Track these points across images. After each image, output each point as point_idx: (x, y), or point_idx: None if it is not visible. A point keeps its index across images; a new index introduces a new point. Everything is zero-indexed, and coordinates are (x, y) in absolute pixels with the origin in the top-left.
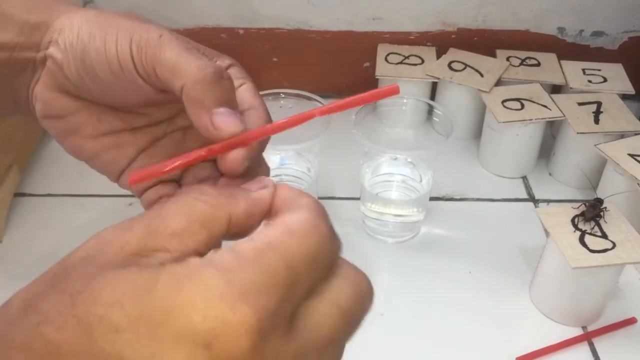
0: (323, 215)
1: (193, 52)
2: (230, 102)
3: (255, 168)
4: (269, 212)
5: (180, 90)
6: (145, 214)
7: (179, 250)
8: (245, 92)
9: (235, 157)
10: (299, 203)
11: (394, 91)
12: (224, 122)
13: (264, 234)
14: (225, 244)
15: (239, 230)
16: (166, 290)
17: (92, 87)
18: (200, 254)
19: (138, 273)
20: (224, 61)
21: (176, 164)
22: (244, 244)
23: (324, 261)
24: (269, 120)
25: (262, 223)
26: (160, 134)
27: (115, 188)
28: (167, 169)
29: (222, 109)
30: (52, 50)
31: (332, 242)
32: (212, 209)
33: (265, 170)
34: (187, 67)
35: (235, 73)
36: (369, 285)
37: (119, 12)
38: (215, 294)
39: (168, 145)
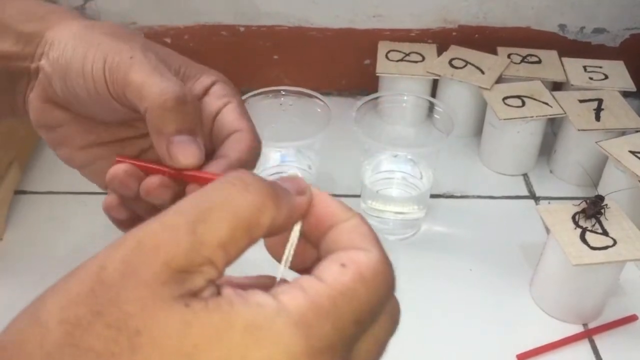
0: (387, 258)
1: (161, 74)
2: (191, 129)
3: None
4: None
5: (144, 114)
6: (189, 208)
7: (225, 261)
8: (229, 112)
9: (189, 191)
10: (367, 239)
11: None
12: (181, 152)
13: (338, 280)
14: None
15: (272, 234)
16: (243, 345)
17: (75, 103)
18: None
19: (206, 316)
20: (208, 77)
21: (153, 172)
22: (317, 288)
23: (384, 306)
24: (257, 142)
25: (330, 259)
26: (147, 146)
27: None
28: (149, 171)
29: (180, 137)
30: (43, 63)
31: (394, 285)
32: (258, 212)
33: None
34: (150, 91)
35: (219, 90)
36: (400, 312)
37: (104, 26)
38: (296, 353)
39: (155, 155)
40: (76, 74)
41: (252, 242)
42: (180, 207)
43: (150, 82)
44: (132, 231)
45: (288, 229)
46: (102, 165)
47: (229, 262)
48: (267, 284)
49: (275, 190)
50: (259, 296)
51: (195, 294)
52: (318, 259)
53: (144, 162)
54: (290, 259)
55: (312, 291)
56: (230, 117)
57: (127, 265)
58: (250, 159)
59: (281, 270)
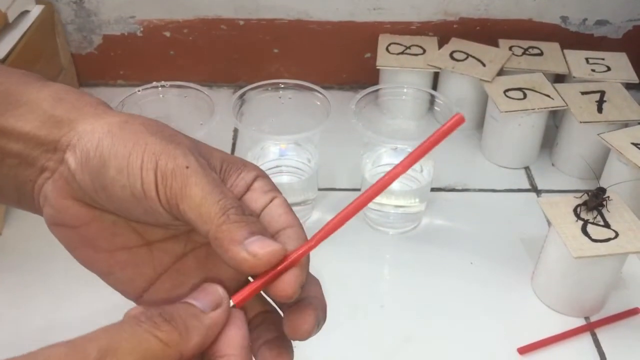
0: None
1: (217, 188)
2: (260, 232)
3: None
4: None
5: (206, 235)
6: (101, 338)
7: None
8: (277, 208)
9: (287, 283)
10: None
11: (459, 122)
12: (261, 247)
13: None
14: None
15: (189, 359)
16: None
17: (108, 203)
18: None
19: None
20: (249, 173)
21: (240, 299)
22: None
23: None
24: (305, 237)
25: None
26: (180, 252)
27: None
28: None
29: (253, 237)
30: (68, 156)
31: None
32: (165, 347)
33: (315, 283)
34: (211, 211)
35: (263, 186)
36: None
37: (144, 122)
38: None
39: (192, 266)
40: (117, 172)
41: None
42: (93, 335)
43: (209, 202)
44: (43, 349)
45: (206, 346)
46: (129, 274)
47: None
48: None
49: (185, 324)
50: None
51: None
52: None
53: (246, 289)
54: None
55: None
56: (279, 211)
57: None
58: (305, 262)
59: None
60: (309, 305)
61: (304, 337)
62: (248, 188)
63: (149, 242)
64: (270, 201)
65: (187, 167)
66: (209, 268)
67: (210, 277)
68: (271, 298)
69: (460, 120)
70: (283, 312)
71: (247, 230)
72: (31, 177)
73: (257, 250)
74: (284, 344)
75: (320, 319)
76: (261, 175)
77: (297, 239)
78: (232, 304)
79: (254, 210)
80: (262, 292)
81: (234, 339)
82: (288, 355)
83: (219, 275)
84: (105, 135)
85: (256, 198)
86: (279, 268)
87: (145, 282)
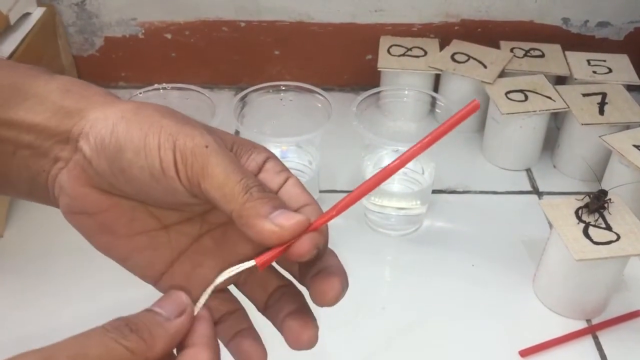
0: None
1: (237, 167)
2: (282, 206)
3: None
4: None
5: (230, 214)
6: (70, 347)
7: None
8: (293, 187)
9: (303, 242)
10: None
11: (475, 108)
12: (287, 219)
13: None
14: None
15: None
16: None
17: (126, 186)
18: None
19: None
20: (259, 154)
21: (265, 260)
22: None
23: None
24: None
25: None
26: (196, 233)
27: None
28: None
29: (278, 211)
30: (82, 144)
31: None
32: (131, 355)
33: (333, 254)
34: (235, 191)
35: (275, 167)
36: None
37: (157, 108)
38: None
39: (210, 246)
40: (134, 154)
41: None
42: (62, 344)
43: (232, 181)
44: (17, 355)
45: (170, 352)
46: (148, 257)
47: None
48: None
49: (150, 330)
50: None
51: None
52: None
53: (269, 253)
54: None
55: None
56: (295, 191)
57: None
58: (325, 230)
59: None
60: (332, 272)
61: (332, 303)
62: (260, 169)
63: (166, 226)
64: (285, 181)
65: (207, 147)
66: (226, 247)
67: (228, 256)
68: (290, 258)
69: (476, 107)
70: (307, 284)
71: (270, 205)
72: (45, 167)
73: (283, 222)
74: (307, 314)
75: (344, 284)
76: (271, 156)
77: (316, 214)
78: (254, 264)
79: (271, 189)
80: (276, 266)
81: (200, 330)
82: (313, 324)
83: (235, 253)
84: (119, 120)
85: (271, 178)
86: (300, 238)
87: (164, 264)
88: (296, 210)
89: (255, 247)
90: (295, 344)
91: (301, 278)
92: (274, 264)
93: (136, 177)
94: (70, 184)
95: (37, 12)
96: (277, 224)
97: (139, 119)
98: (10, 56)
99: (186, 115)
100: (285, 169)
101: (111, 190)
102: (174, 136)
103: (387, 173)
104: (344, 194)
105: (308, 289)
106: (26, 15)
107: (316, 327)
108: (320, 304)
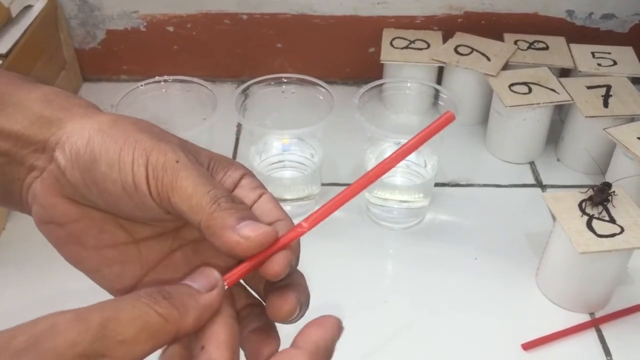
0: None
1: (206, 179)
2: (251, 217)
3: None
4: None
5: (198, 225)
6: (104, 309)
7: (126, 356)
8: (266, 203)
9: (276, 261)
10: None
11: (450, 119)
12: (252, 231)
13: None
14: None
15: (184, 336)
16: None
17: (98, 198)
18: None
19: None
20: (236, 171)
21: (232, 279)
22: None
23: None
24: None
25: None
26: (167, 249)
27: None
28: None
29: (244, 222)
30: (57, 154)
31: None
32: (163, 321)
33: (299, 274)
34: (202, 202)
35: (250, 183)
36: None
37: (134, 121)
38: None
39: (180, 262)
40: (108, 167)
41: (156, 346)
42: (97, 306)
43: (200, 193)
44: (50, 314)
45: (201, 325)
46: (116, 271)
47: (133, 358)
48: None
49: (182, 300)
50: None
51: None
52: None
53: (237, 269)
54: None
55: None
56: (268, 206)
57: (35, 339)
58: (296, 246)
59: None
60: (289, 287)
61: (285, 318)
62: (235, 185)
63: (136, 240)
64: (259, 197)
65: (177, 162)
66: (196, 264)
67: None
68: (263, 276)
69: (451, 118)
70: (266, 297)
71: (237, 216)
72: (19, 175)
73: (249, 233)
74: (270, 331)
75: (302, 302)
76: (248, 173)
77: (288, 230)
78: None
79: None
80: (247, 286)
81: (223, 327)
82: (274, 339)
83: None
84: (96, 132)
85: (245, 194)
86: (269, 251)
87: (133, 279)
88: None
89: (226, 262)
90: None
91: (265, 294)
92: (242, 281)
93: (108, 190)
94: (42, 193)
95: (39, 5)
96: (242, 235)
97: (115, 132)
98: (12, 49)
99: (163, 130)
100: (260, 186)
101: (83, 201)
102: (147, 152)
103: (356, 189)
104: (346, 187)
105: (265, 302)
106: (28, 7)
107: (277, 345)
108: (274, 318)
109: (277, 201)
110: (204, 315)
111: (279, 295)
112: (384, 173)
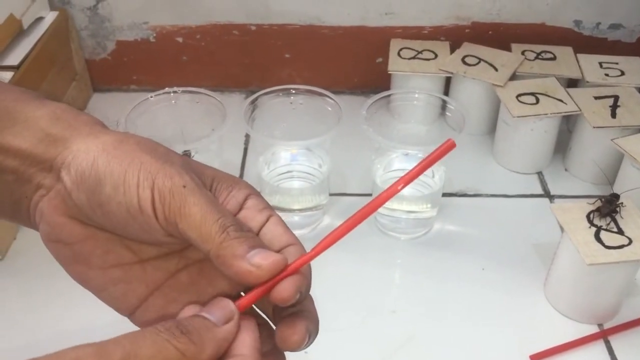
0: None
1: (215, 207)
2: (260, 245)
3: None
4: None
5: (207, 254)
6: (125, 344)
7: None
8: (275, 226)
9: (286, 287)
10: None
11: (451, 147)
12: (263, 259)
13: None
14: None
15: None
16: None
17: (104, 220)
18: None
19: None
20: (240, 191)
21: (244, 304)
22: None
23: None
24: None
25: None
26: (172, 269)
27: None
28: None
29: (255, 250)
30: (64, 174)
31: None
32: (182, 357)
33: (309, 299)
34: (212, 230)
35: (257, 205)
36: None
37: (138, 141)
38: None
39: (185, 282)
40: (113, 189)
41: None
42: (117, 340)
43: (209, 221)
44: (73, 348)
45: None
46: (122, 290)
47: None
48: None
49: (200, 334)
50: None
51: None
52: None
53: (249, 296)
54: None
55: None
56: (278, 230)
57: None
58: (307, 272)
59: None
60: (300, 316)
61: (294, 348)
62: (241, 206)
63: (142, 260)
64: (267, 219)
65: (184, 187)
66: (201, 284)
67: (203, 294)
68: (273, 301)
69: (452, 146)
70: (275, 324)
71: (247, 244)
72: (27, 193)
73: (260, 261)
74: (276, 356)
75: (311, 331)
76: (253, 193)
77: (298, 255)
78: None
79: (252, 227)
80: (254, 306)
81: (247, 340)
82: None
83: (212, 291)
84: (100, 153)
85: (252, 216)
86: (279, 277)
87: (138, 299)
88: (278, 251)
89: (232, 284)
90: None
91: (274, 318)
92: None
93: (114, 212)
94: (49, 212)
95: (50, 16)
96: (253, 263)
97: (120, 153)
98: (24, 60)
99: (168, 149)
100: (267, 207)
101: (89, 222)
102: (153, 175)
103: (363, 215)
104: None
105: (274, 328)
106: (39, 19)
107: None
108: (283, 347)
109: (285, 224)
110: (221, 348)
111: (288, 325)
112: (387, 200)
